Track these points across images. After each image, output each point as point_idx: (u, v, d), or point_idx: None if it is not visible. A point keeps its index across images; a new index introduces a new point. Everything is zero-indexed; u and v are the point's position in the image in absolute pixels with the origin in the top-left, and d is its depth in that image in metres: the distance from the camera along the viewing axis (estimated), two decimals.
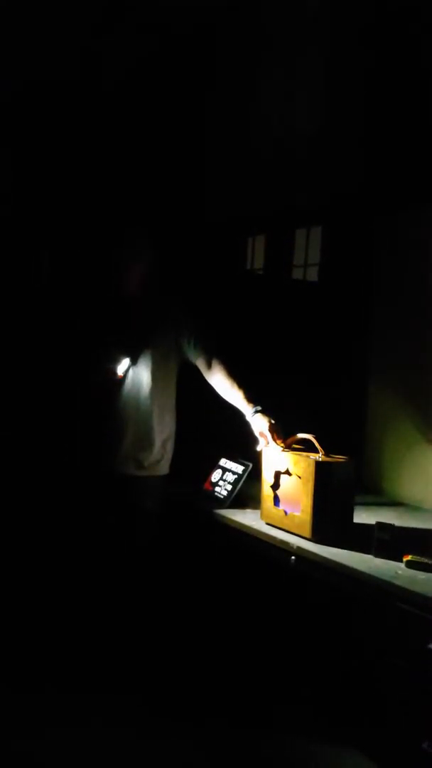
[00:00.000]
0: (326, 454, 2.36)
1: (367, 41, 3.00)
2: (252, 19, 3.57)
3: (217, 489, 2.83)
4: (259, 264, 3.89)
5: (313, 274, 3.58)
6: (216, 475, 2.89)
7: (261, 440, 2.54)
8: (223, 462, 2.92)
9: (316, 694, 2.73)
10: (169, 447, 2.71)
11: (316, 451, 2.38)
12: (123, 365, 2.58)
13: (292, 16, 3.37)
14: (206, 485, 2.88)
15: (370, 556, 2.18)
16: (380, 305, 3.09)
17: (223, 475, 2.87)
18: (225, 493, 2.79)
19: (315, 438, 2.39)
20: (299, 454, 2.40)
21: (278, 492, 2.47)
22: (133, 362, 2.60)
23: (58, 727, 2.46)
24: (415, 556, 2.12)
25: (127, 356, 2.58)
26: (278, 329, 3.52)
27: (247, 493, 2.76)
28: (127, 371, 2.59)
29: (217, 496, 2.80)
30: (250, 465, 2.78)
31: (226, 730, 2.50)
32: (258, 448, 2.55)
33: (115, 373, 2.57)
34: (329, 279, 3.38)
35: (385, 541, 2.18)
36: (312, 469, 2.31)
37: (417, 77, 2.81)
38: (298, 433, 2.46)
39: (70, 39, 3.33)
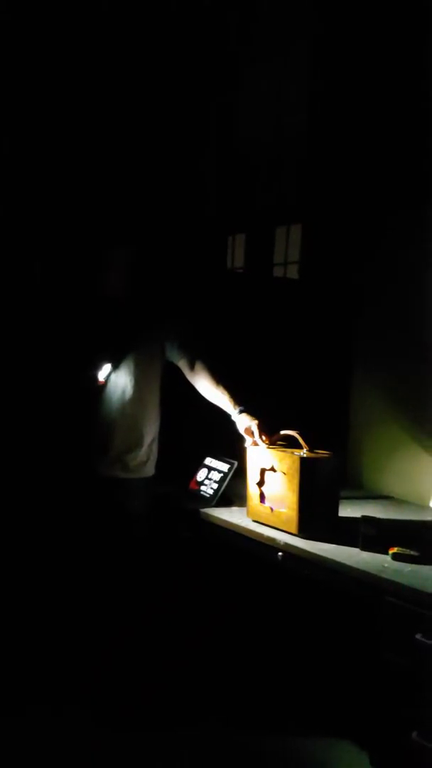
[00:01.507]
0: (311, 449, 2.38)
1: (353, 37, 3.02)
2: (237, 16, 3.59)
3: (202, 488, 2.84)
4: (239, 262, 3.90)
5: (293, 272, 3.59)
6: (201, 474, 2.90)
7: (247, 438, 2.55)
8: (209, 461, 2.93)
9: (306, 688, 2.75)
10: (155, 448, 2.72)
11: (300, 447, 2.39)
12: (104, 371, 2.60)
13: (279, 10, 3.38)
14: (192, 484, 2.89)
15: (356, 550, 2.20)
16: (365, 305, 3.12)
17: (208, 473, 2.88)
18: (211, 491, 2.80)
19: (299, 434, 2.41)
20: (284, 451, 2.41)
21: (264, 489, 2.48)
22: (115, 367, 2.61)
23: (49, 729, 2.46)
24: (400, 549, 2.14)
25: (109, 361, 2.59)
26: (260, 327, 3.53)
27: (233, 491, 2.76)
28: (109, 375, 2.60)
29: (203, 495, 2.81)
30: (236, 463, 2.79)
31: (216, 725, 2.51)
32: (246, 446, 2.56)
33: (96, 378, 2.58)
34: (310, 277, 3.40)
35: (371, 535, 2.20)
36: (297, 465, 2.32)
37: (407, 77, 2.83)
38: (282, 430, 2.48)
39: (62, 36, 3.33)
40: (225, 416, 2.63)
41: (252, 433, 2.52)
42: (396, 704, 1.98)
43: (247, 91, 3.66)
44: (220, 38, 3.64)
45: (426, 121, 2.75)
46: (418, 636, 1.89)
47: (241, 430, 2.56)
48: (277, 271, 3.67)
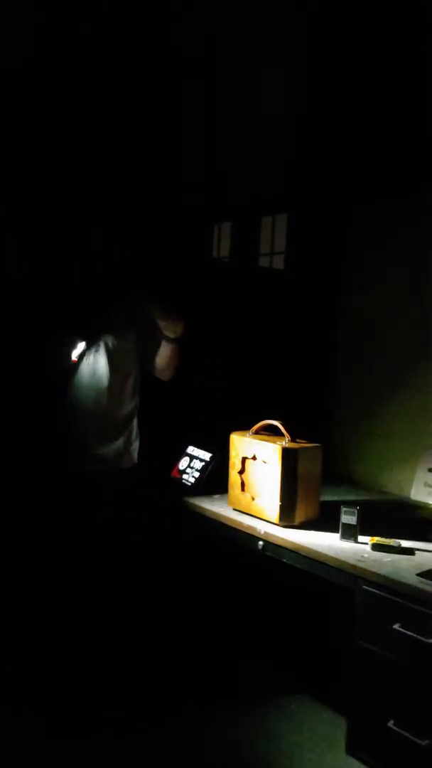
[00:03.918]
0: (292, 439, 2.38)
1: (333, 25, 3.00)
2: (216, 6, 3.55)
3: (185, 476, 2.83)
4: (225, 252, 3.88)
5: (279, 262, 3.58)
6: (184, 463, 2.89)
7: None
8: (191, 449, 2.92)
9: (286, 674, 2.77)
10: (134, 437, 2.69)
11: (282, 436, 2.39)
12: (77, 349, 2.57)
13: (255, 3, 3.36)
14: (174, 473, 2.88)
15: (336, 540, 2.21)
16: (350, 296, 3.12)
17: (190, 462, 2.87)
18: (193, 480, 2.79)
19: (281, 424, 2.41)
20: (266, 440, 2.41)
21: (245, 477, 2.48)
22: (88, 346, 2.58)
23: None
24: (380, 539, 2.15)
25: (82, 340, 2.56)
26: (245, 317, 3.52)
27: (215, 480, 2.76)
28: (81, 357, 2.57)
29: (185, 484, 2.80)
30: (218, 452, 2.78)
31: (194, 709, 2.51)
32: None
33: (69, 357, 2.55)
34: (295, 267, 3.39)
35: (350, 525, 2.20)
36: (278, 454, 2.32)
37: (397, 69, 2.82)
38: (265, 419, 2.47)
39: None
40: (210, 405, 2.62)
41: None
42: (373, 693, 1.99)
43: (234, 78, 3.63)
44: (208, 17, 3.59)
45: (414, 110, 2.75)
46: (396, 626, 1.90)
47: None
48: (263, 261, 3.66)
